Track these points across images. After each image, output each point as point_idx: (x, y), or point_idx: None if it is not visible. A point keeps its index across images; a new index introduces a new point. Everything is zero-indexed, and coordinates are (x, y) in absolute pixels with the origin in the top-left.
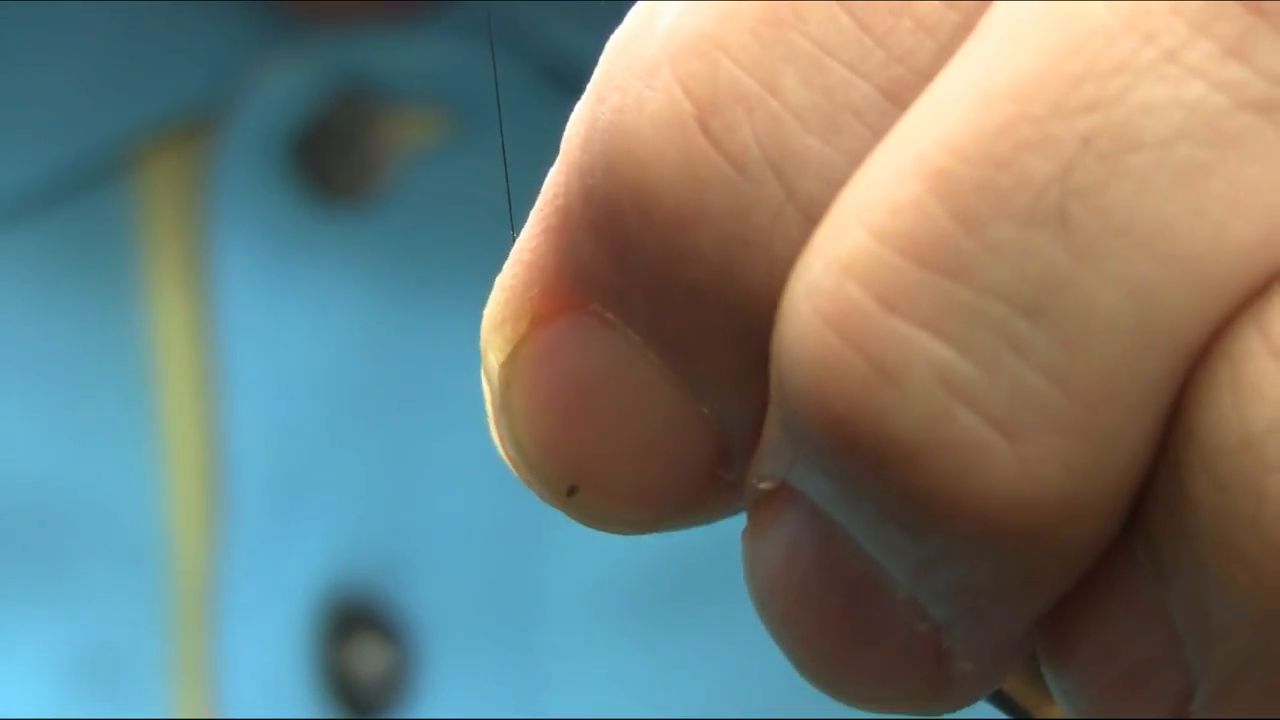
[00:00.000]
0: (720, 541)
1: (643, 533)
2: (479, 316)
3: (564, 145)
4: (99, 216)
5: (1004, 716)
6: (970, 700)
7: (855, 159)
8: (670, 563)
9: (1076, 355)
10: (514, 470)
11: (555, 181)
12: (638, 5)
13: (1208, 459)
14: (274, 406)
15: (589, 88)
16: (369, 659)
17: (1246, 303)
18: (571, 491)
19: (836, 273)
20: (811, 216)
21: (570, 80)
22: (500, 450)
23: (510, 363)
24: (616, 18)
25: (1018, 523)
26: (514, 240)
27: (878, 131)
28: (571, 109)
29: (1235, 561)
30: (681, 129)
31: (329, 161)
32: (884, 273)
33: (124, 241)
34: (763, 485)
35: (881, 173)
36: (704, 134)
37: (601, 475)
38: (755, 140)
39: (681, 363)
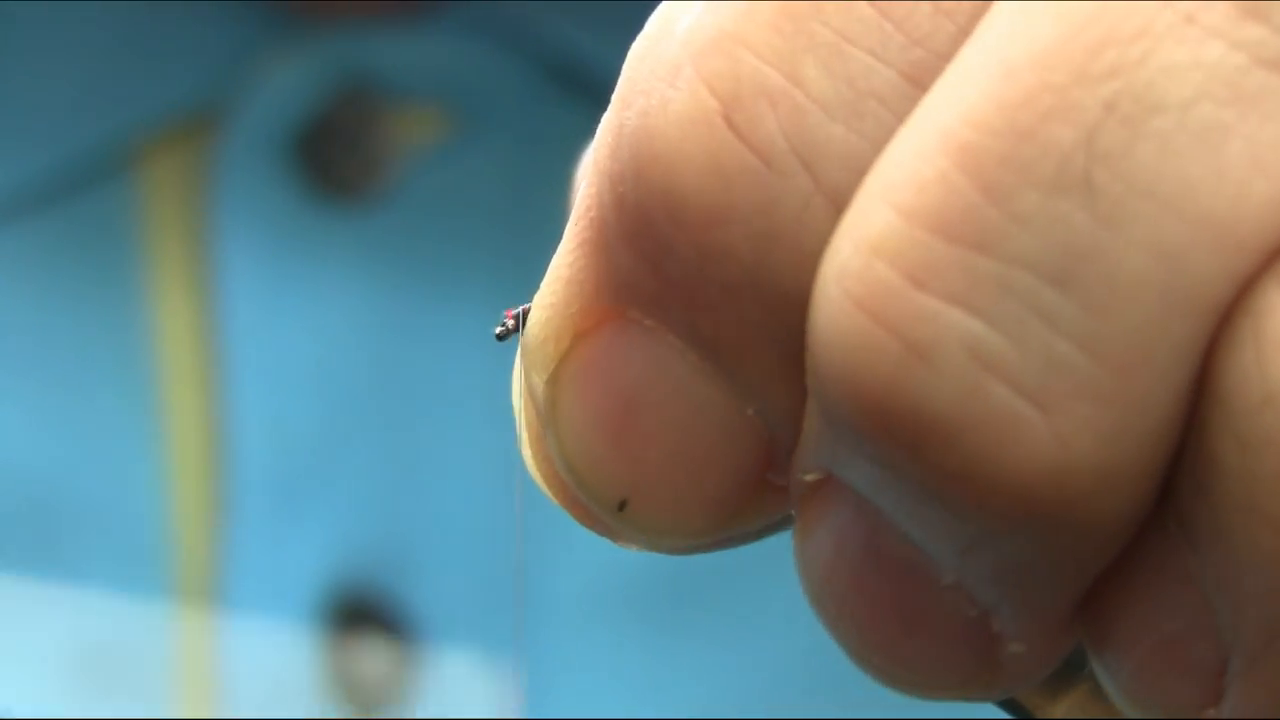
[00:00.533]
0: (721, 555)
1: (693, 547)
2: (481, 314)
3: (594, 156)
4: (101, 214)
5: (1006, 716)
6: (1026, 683)
7: (880, 145)
8: (671, 565)
9: (1105, 321)
10: (552, 495)
11: (588, 194)
12: (657, 10)
13: (1231, 419)
14: (277, 404)
15: (614, 95)
16: (372, 655)
17: (1269, 261)
18: (622, 506)
19: (865, 253)
20: (839, 205)
21: (575, 79)
22: (536, 474)
23: (555, 381)
24: (622, 16)
25: (1055, 495)
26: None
27: (901, 116)
28: (575, 107)
29: (1260, 524)
30: (707, 127)
31: (331, 159)
32: (912, 250)
33: (126, 239)
34: (808, 478)
35: (906, 153)
36: (730, 130)
37: (652, 485)
38: (781, 132)
39: (722, 363)
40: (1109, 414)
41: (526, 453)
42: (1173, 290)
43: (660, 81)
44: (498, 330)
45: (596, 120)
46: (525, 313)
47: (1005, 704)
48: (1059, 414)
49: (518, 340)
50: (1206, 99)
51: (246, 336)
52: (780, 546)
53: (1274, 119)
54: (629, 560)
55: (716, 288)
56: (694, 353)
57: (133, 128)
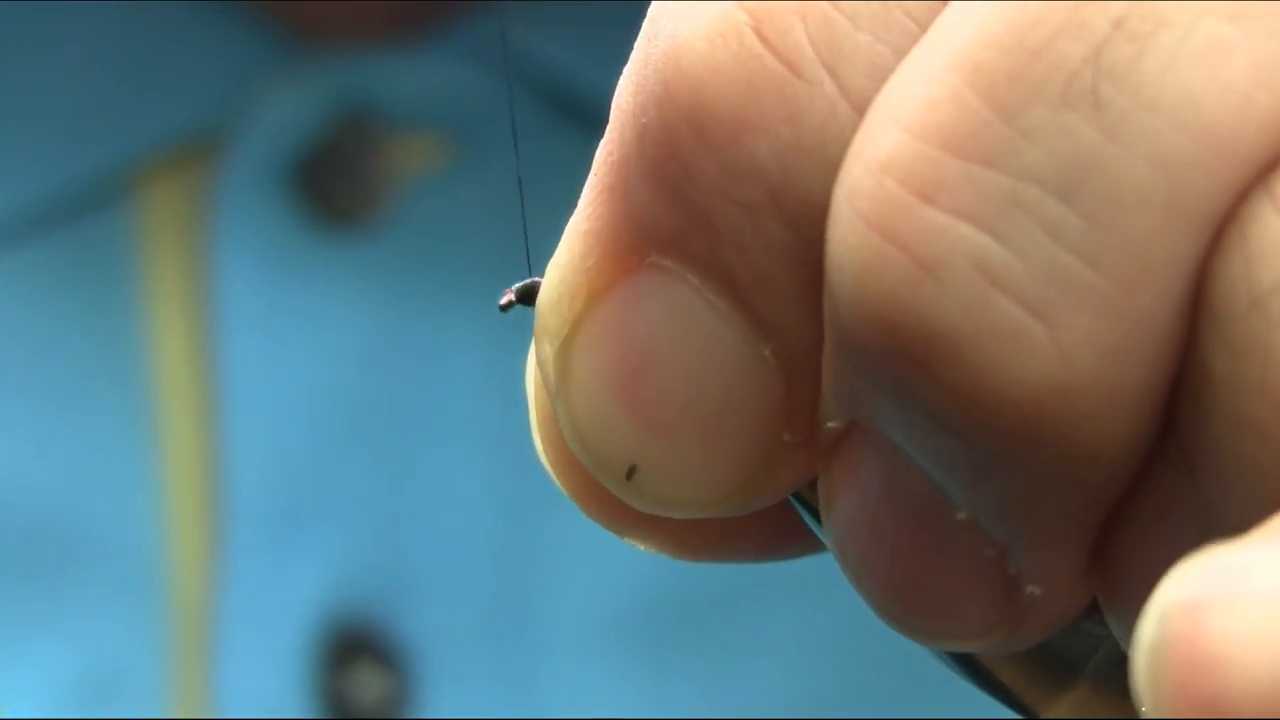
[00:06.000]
0: (718, 573)
1: (705, 513)
2: (479, 342)
3: (616, 100)
4: (100, 239)
5: (1008, 717)
6: (1046, 631)
7: (905, 55)
8: (667, 593)
9: (1109, 234)
10: (560, 480)
11: (608, 140)
12: None
13: (1221, 326)
14: (273, 431)
15: (639, 39)
16: (367, 685)
17: (1262, 173)
18: (631, 472)
19: (875, 172)
20: (864, 113)
21: (573, 106)
22: (545, 458)
23: (567, 345)
24: (620, 44)
25: (1059, 412)
26: (529, 269)
27: (925, 25)
28: (573, 134)
29: (1247, 432)
30: (736, 37)
31: (331, 186)
32: (921, 166)
33: (125, 265)
34: (831, 424)
35: (916, 73)
36: (759, 39)
37: (664, 445)
38: (809, 41)
39: (741, 297)
40: (1112, 327)
41: (536, 436)
42: (1174, 202)
43: (688, 5)
44: (501, 302)
45: (594, 147)
46: (532, 285)
47: (1007, 702)
48: (1063, 327)
49: (517, 342)
50: (1211, 15)
51: (244, 363)
52: (778, 576)
53: (1276, 35)
54: (627, 588)
55: (739, 209)
56: (713, 289)
57: (132, 153)
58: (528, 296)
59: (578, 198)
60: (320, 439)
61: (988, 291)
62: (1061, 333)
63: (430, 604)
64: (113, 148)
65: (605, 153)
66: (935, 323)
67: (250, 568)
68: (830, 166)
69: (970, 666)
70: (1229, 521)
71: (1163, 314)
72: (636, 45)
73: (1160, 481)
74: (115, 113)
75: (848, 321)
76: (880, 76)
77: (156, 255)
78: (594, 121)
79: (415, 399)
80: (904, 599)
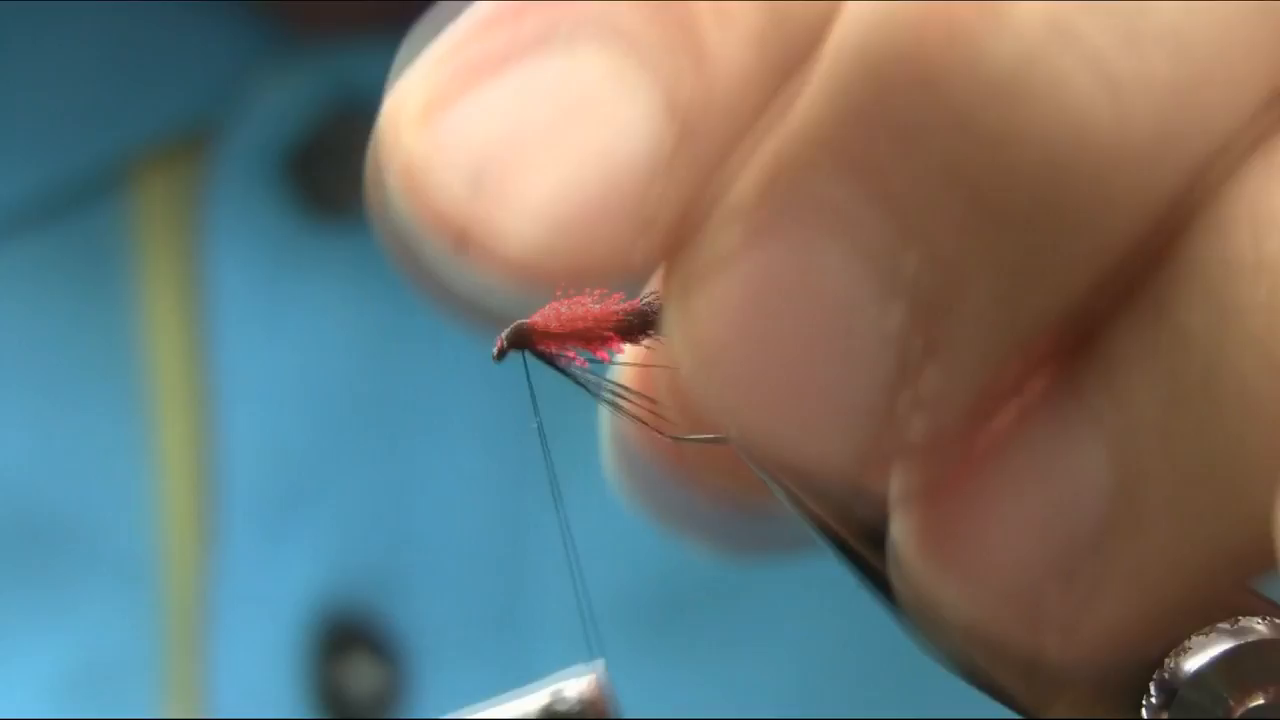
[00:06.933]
0: (715, 568)
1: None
2: (471, 335)
3: None
4: (94, 232)
5: (1008, 716)
6: (913, 470)
7: None
8: (664, 582)
9: (1197, 14)
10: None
11: None
12: None
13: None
14: (267, 423)
15: None
16: (361, 676)
17: None
18: (464, 242)
19: None
20: None
21: None
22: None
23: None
24: None
25: (1096, 154)
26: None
27: None
28: None
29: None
30: None
31: (323, 177)
32: None
33: (118, 257)
34: (735, 210)
35: None
36: None
37: (501, 175)
38: None
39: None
40: (1173, 101)
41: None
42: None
43: None
44: (494, 351)
45: None
46: (520, 326)
47: (1004, 701)
48: (1132, 81)
49: (512, 359)
50: None
51: (238, 354)
52: (773, 575)
53: None
54: (623, 581)
55: None
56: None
57: (126, 146)
58: (519, 340)
59: None
60: (314, 430)
61: (1063, 35)
62: (1129, 85)
63: (425, 595)
64: (106, 141)
65: None
66: (1005, 48)
67: (244, 559)
68: None
69: (969, 668)
70: (1161, 427)
71: (1217, 124)
72: None
73: (1065, 398)
74: (108, 106)
75: (891, 58)
76: None
77: (150, 248)
78: None
79: (409, 390)
80: (767, 394)
